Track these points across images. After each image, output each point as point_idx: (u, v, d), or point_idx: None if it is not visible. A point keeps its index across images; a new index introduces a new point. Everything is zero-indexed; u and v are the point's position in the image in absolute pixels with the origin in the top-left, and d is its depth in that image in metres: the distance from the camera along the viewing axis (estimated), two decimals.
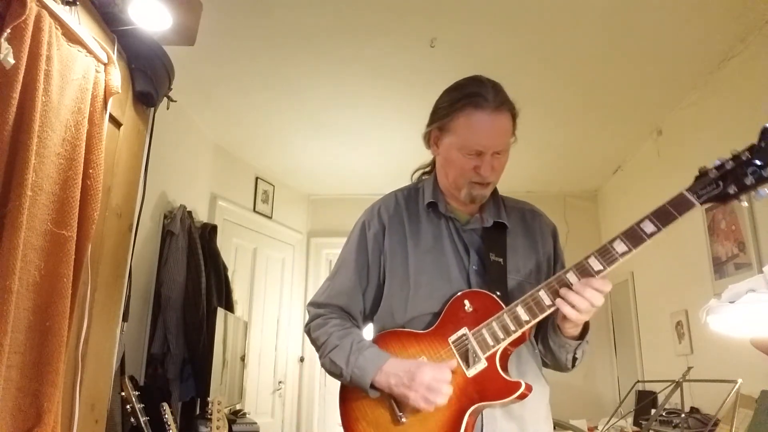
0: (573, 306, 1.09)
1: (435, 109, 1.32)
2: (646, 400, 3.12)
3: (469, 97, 1.23)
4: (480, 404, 1.13)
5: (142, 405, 2.03)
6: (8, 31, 1.13)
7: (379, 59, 2.88)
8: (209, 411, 2.42)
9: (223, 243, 3.60)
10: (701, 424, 2.53)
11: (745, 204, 1.07)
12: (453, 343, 1.18)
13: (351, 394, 1.26)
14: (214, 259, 3.31)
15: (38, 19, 1.23)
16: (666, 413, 2.65)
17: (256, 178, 4.39)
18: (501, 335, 1.14)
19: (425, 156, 1.48)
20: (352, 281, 1.34)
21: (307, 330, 1.37)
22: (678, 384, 2.06)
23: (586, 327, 1.22)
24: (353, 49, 2.78)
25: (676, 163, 3.26)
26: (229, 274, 3.54)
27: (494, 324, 1.14)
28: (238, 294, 3.80)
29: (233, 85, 3.17)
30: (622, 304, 4.22)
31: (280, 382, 4.42)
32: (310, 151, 4.08)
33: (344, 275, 1.36)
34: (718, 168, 1.07)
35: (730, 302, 1.27)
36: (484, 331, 1.15)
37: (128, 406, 2.02)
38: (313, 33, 2.65)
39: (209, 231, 3.34)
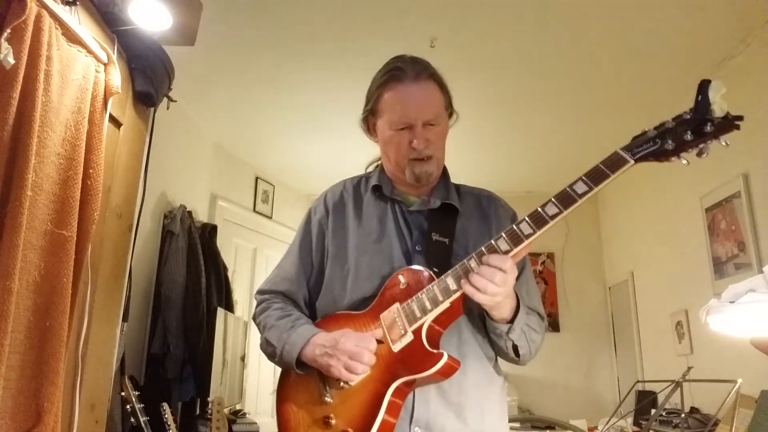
0: (476, 287, 1.03)
1: (367, 95, 1.34)
2: (646, 400, 3.12)
3: (389, 72, 1.28)
4: (404, 379, 1.09)
5: (142, 405, 2.03)
6: (8, 31, 1.13)
7: (379, 59, 2.87)
8: (209, 411, 2.42)
9: (223, 243, 3.60)
10: (701, 424, 2.53)
11: (685, 162, 1.02)
12: (383, 317, 1.14)
13: (285, 379, 1.26)
14: (214, 259, 3.31)
15: (38, 19, 1.23)
16: (666, 413, 2.65)
17: (256, 178, 4.39)
18: (429, 306, 1.09)
19: None
20: (295, 267, 1.34)
21: (253, 317, 1.37)
22: (678, 384, 2.06)
23: (517, 310, 1.15)
24: (353, 49, 2.78)
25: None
26: (229, 274, 3.54)
27: (423, 296, 1.10)
28: (238, 294, 3.80)
29: (233, 85, 3.17)
30: (622, 304, 4.22)
31: None
32: (310, 151, 4.08)
33: (289, 262, 1.37)
34: (657, 127, 1.03)
35: (730, 302, 1.27)
36: (413, 303, 1.11)
37: (128, 406, 2.02)
38: (313, 33, 2.66)
39: (209, 231, 3.34)
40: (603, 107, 3.30)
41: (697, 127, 0.97)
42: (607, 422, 2.97)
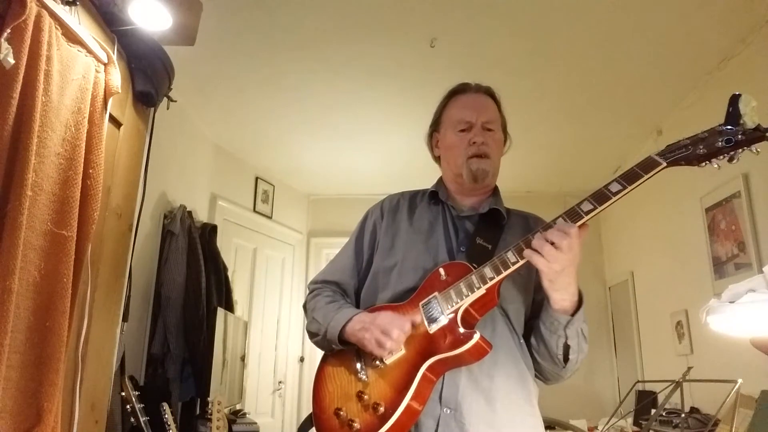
0: (537, 251, 1.08)
1: (433, 116, 1.49)
2: (646, 400, 3.12)
3: (453, 91, 1.45)
4: (436, 357, 1.13)
5: (142, 405, 2.03)
6: (8, 31, 1.13)
7: (379, 59, 2.87)
8: (209, 411, 2.41)
9: (223, 243, 3.60)
10: (701, 424, 2.53)
11: (716, 166, 1.08)
12: (422, 305, 1.21)
13: (325, 360, 1.32)
14: (214, 259, 3.31)
15: (38, 19, 1.23)
16: (666, 413, 2.65)
17: (256, 178, 4.40)
18: (465, 292, 1.15)
19: (425, 156, 1.53)
20: (349, 259, 1.44)
21: (304, 304, 1.45)
22: (678, 384, 2.06)
23: (579, 305, 1.17)
24: (353, 49, 2.78)
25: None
26: (229, 274, 3.54)
27: (461, 284, 1.17)
28: (238, 294, 3.80)
29: (233, 85, 3.17)
30: (622, 304, 4.22)
31: (280, 382, 4.42)
32: (310, 151, 4.08)
33: (342, 255, 1.47)
34: (690, 137, 1.11)
35: (730, 302, 1.27)
36: (451, 291, 1.18)
37: (128, 406, 2.02)
38: (313, 33, 2.65)
39: (209, 231, 3.34)
40: (603, 108, 3.30)
41: (728, 136, 1.04)
42: (607, 422, 2.97)
